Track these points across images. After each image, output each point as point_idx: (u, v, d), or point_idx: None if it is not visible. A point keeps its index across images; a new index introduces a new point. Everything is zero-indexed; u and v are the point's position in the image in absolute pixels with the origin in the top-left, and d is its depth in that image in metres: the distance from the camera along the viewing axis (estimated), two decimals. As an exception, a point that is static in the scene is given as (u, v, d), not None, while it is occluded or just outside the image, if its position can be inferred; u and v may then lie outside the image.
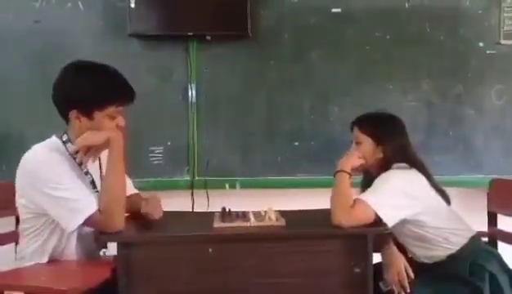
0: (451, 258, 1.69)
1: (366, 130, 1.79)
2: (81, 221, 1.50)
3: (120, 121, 1.61)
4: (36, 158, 1.55)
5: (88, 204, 1.51)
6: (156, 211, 1.73)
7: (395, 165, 1.72)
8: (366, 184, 1.82)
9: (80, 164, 1.63)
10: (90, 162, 1.66)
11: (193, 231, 1.64)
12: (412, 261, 1.76)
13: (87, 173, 1.65)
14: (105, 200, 1.53)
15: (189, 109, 2.64)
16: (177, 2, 2.54)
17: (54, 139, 1.64)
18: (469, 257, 1.66)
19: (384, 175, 1.69)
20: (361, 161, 1.75)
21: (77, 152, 1.59)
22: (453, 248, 1.69)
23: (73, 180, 1.53)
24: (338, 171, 1.69)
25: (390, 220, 1.61)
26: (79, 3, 2.58)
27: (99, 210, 1.52)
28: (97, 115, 1.56)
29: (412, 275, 1.67)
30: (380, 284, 1.69)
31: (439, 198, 1.73)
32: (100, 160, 1.71)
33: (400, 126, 1.81)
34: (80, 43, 2.57)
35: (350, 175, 1.69)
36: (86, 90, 1.53)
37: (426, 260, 1.75)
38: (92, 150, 1.58)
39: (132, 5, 2.48)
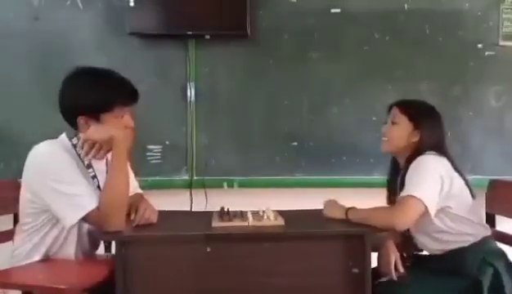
0: (463, 252, 1.68)
1: (408, 111, 1.78)
2: (79, 217, 1.51)
3: (128, 121, 1.65)
4: (44, 151, 1.58)
5: (89, 201, 1.52)
6: (149, 219, 1.67)
7: (427, 152, 1.71)
8: (394, 167, 1.85)
9: (88, 167, 1.64)
10: (97, 164, 1.67)
11: (191, 230, 1.63)
12: (406, 259, 1.77)
13: (94, 177, 1.65)
14: (104, 198, 1.53)
15: (187, 108, 2.63)
16: (177, 2, 2.53)
17: (63, 137, 1.65)
18: (480, 254, 1.66)
19: (418, 164, 1.67)
20: (341, 208, 1.73)
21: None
22: (465, 245, 1.69)
23: (77, 176, 1.55)
24: (348, 217, 1.68)
25: (433, 209, 1.62)
26: (78, 1, 2.57)
27: (98, 208, 1.52)
28: (104, 117, 1.59)
29: (402, 269, 1.68)
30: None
31: (467, 189, 1.74)
32: (107, 164, 1.71)
33: (440, 117, 1.82)
34: (79, 42, 2.57)
35: (347, 209, 1.69)
36: (91, 95, 1.57)
37: (438, 252, 1.74)
38: (96, 147, 1.59)
39: (132, 4, 2.48)
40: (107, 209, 1.52)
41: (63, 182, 1.51)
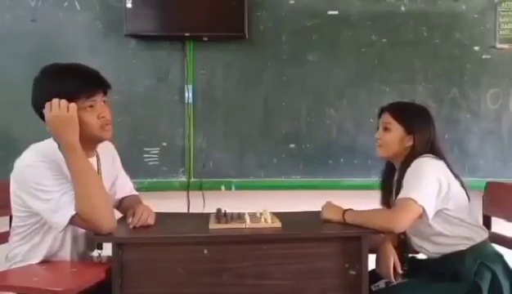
0: (461, 256, 1.67)
1: (399, 117, 1.77)
2: (65, 223, 1.49)
3: (100, 110, 1.57)
4: (24, 162, 1.55)
5: (70, 208, 1.48)
6: (146, 221, 1.64)
7: (424, 155, 1.72)
8: (388, 168, 1.84)
9: None
10: None
11: (188, 232, 1.63)
12: (404, 260, 1.77)
13: None
14: (79, 207, 1.48)
15: (185, 109, 2.63)
16: (174, 3, 2.53)
17: (50, 140, 1.63)
18: (478, 258, 1.65)
19: (416, 167, 1.67)
20: (338, 209, 1.71)
21: None
22: (463, 248, 1.68)
23: (58, 182, 1.51)
24: (345, 219, 1.66)
25: (431, 211, 1.62)
26: (76, 3, 2.57)
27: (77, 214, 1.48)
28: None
29: (400, 271, 1.69)
30: (372, 287, 1.69)
31: (463, 192, 1.74)
32: (99, 165, 1.70)
33: (431, 118, 1.80)
34: (76, 43, 2.56)
35: (344, 210, 1.68)
36: (50, 90, 1.51)
37: (435, 255, 1.74)
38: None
39: (129, 5, 2.48)
40: (88, 216, 1.48)
41: (44, 190, 1.49)
